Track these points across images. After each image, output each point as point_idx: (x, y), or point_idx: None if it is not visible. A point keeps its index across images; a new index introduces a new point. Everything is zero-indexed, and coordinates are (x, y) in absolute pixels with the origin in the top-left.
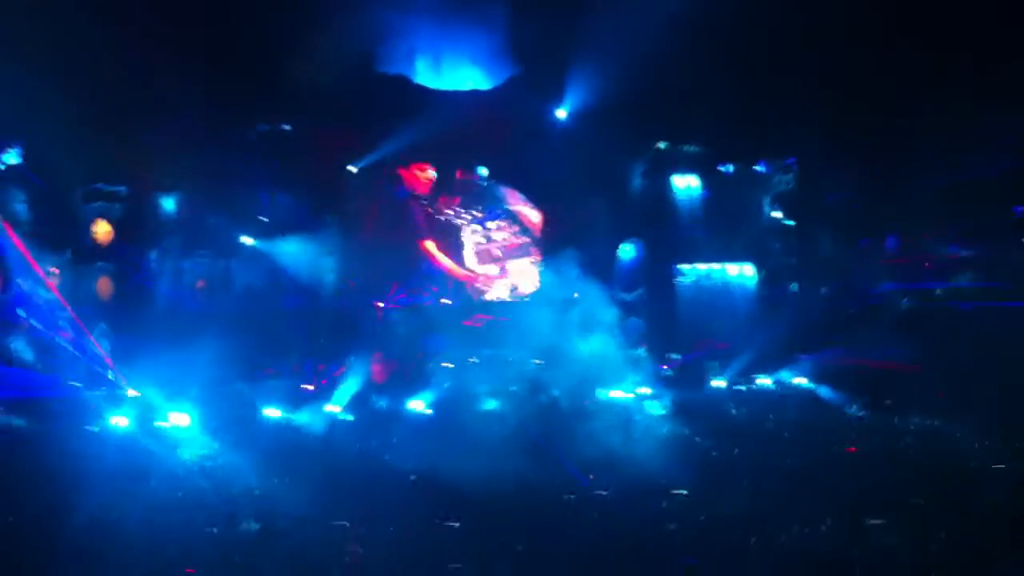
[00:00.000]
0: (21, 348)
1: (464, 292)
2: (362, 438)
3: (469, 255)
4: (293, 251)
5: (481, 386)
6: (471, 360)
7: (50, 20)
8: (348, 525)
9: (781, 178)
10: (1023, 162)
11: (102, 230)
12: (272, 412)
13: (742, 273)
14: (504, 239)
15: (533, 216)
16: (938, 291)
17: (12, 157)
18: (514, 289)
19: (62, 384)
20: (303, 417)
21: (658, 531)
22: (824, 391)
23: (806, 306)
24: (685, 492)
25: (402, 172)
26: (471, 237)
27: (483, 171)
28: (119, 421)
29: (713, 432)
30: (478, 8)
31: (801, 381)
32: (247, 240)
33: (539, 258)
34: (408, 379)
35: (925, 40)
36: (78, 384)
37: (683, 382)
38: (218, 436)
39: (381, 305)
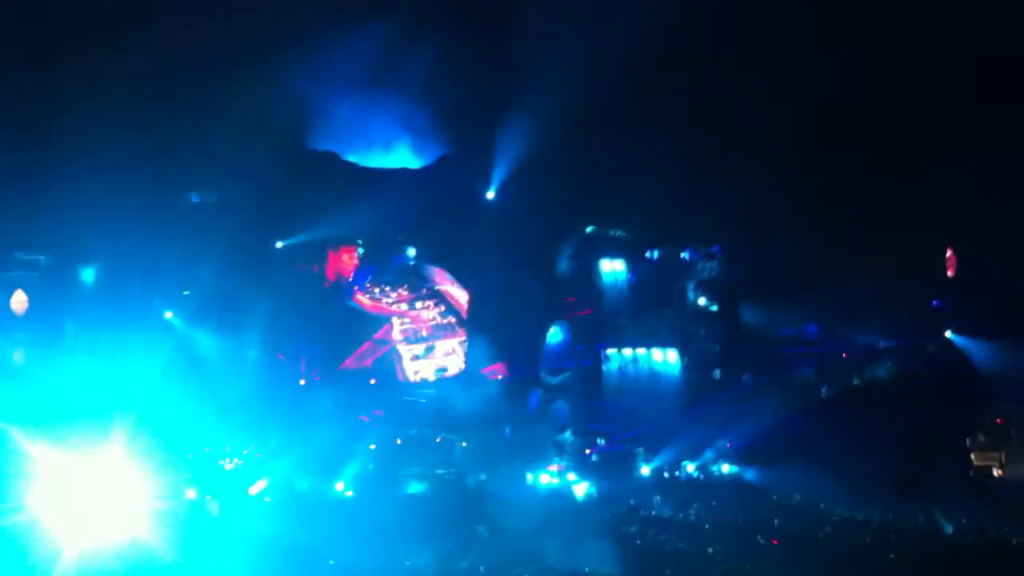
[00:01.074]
0: None
1: (391, 372)
2: (282, 520)
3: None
4: (215, 327)
5: (407, 468)
6: (397, 441)
7: None
8: None
9: (705, 264)
10: (940, 257)
11: (18, 300)
12: (190, 493)
13: (667, 359)
14: (431, 319)
15: (461, 296)
16: (855, 380)
17: None
18: (440, 369)
19: None
20: (222, 498)
21: None
22: (749, 476)
23: (729, 392)
24: None
25: (330, 253)
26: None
27: (411, 251)
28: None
29: (639, 519)
30: (409, 86)
31: (725, 468)
32: (169, 315)
33: (465, 338)
34: (332, 459)
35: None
36: None
37: (609, 467)
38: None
39: (304, 383)
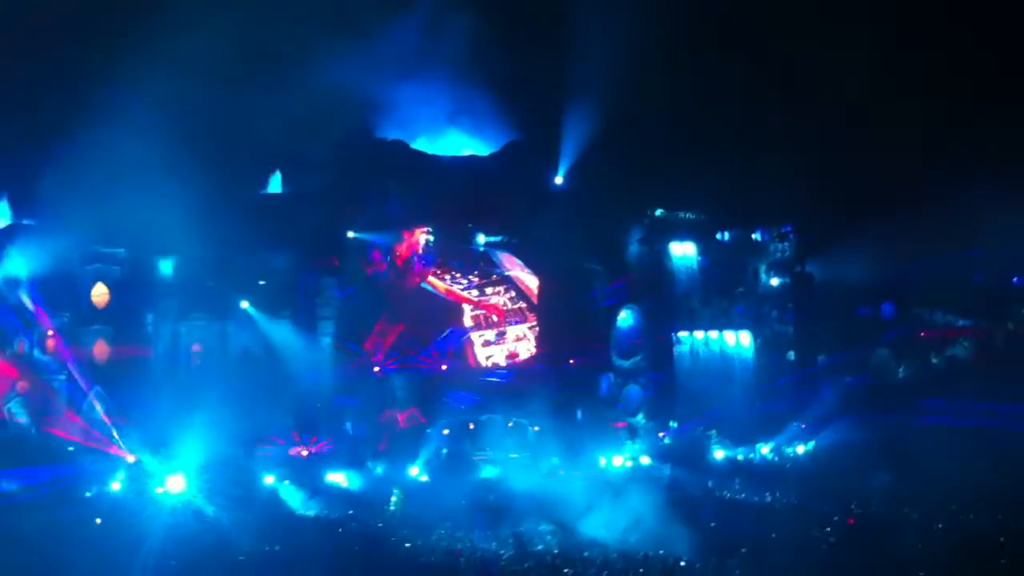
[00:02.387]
0: (18, 410)
1: (463, 357)
2: (358, 505)
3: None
4: (290, 315)
5: (480, 452)
6: (470, 426)
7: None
8: None
9: (778, 246)
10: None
11: (99, 292)
12: (269, 479)
13: (739, 341)
14: (502, 304)
15: (531, 282)
16: (933, 359)
17: (8, 217)
18: (512, 355)
19: (58, 448)
20: (298, 483)
21: None
22: (823, 458)
23: (803, 374)
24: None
25: (405, 234)
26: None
27: (481, 237)
28: (115, 486)
29: (713, 501)
30: (476, 74)
31: (800, 450)
32: (245, 305)
33: (536, 323)
34: (406, 444)
35: (926, 115)
36: (72, 448)
37: (682, 450)
38: (213, 502)
39: (378, 369)
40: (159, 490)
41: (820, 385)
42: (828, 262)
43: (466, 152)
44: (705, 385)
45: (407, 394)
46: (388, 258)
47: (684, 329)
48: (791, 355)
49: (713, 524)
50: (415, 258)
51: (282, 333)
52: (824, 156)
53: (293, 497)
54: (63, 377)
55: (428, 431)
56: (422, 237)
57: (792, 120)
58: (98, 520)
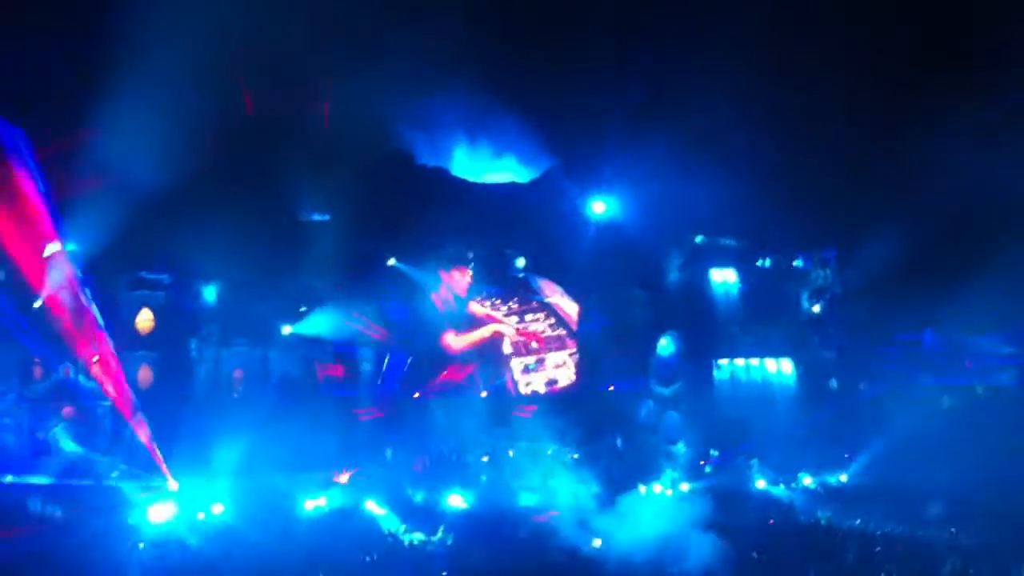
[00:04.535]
0: (62, 436)
1: (502, 384)
2: (395, 532)
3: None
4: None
5: (519, 479)
6: (509, 453)
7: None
8: None
9: (819, 272)
10: None
11: (144, 318)
12: (309, 504)
13: (780, 369)
14: (541, 331)
15: (570, 308)
16: (979, 389)
17: (57, 246)
18: (551, 381)
19: (102, 473)
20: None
21: None
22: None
23: (846, 401)
24: None
25: (443, 275)
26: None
27: (520, 262)
28: (158, 512)
29: (754, 531)
30: (517, 102)
31: (843, 479)
32: (287, 330)
33: (575, 350)
34: (446, 471)
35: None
36: (117, 473)
37: (723, 479)
38: (256, 527)
39: (418, 396)
40: (200, 516)
41: (863, 413)
42: (871, 288)
43: (505, 178)
44: (746, 413)
45: (447, 421)
46: (430, 290)
47: (724, 356)
48: (833, 383)
49: (755, 555)
50: (457, 296)
51: (324, 358)
52: (868, 181)
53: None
54: (107, 403)
55: (467, 458)
56: (464, 273)
57: (835, 144)
58: (141, 544)
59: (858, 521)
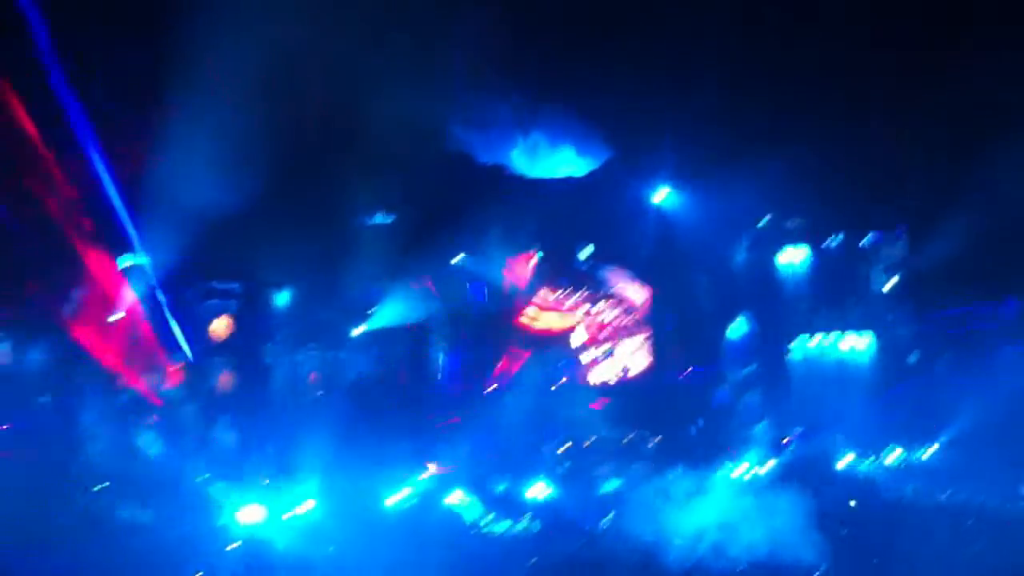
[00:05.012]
0: (149, 442)
1: (574, 376)
2: (481, 524)
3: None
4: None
5: (599, 467)
6: (586, 443)
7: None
8: None
9: (891, 247)
10: None
11: (219, 326)
12: (392, 499)
13: (857, 345)
14: (610, 321)
15: (639, 296)
16: None
17: (131, 259)
18: (623, 370)
19: (190, 477)
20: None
21: None
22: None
23: (926, 377)
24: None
25: (509, 264)
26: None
27: (585, 253)
28: (245, 513)
29: (841, 510)
30: (574, 92)
31: (925, 455)
32: (358, 331)
33: (647, 337)
34: (525, 463)
35: None
36: (204, 477)
37: (804, 459)
38: (342, 524)
39: (492, 388)
40: (285, 516)
41: (945, 386)
42: (946, 261)
43: (566, 171)
44: (824, 391)
45: (523, 413)
46: (493, 281)
47: (798, 335)
48: (913, 357)
49: (844, 532)
50: (519, 287)
51: (395, 357)
52: (939, 152)
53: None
54: (191, 409)
55: (545, 449)
56: (530, 260)
57: (904, 117)
58: (230, 546)
59: (946, 495)
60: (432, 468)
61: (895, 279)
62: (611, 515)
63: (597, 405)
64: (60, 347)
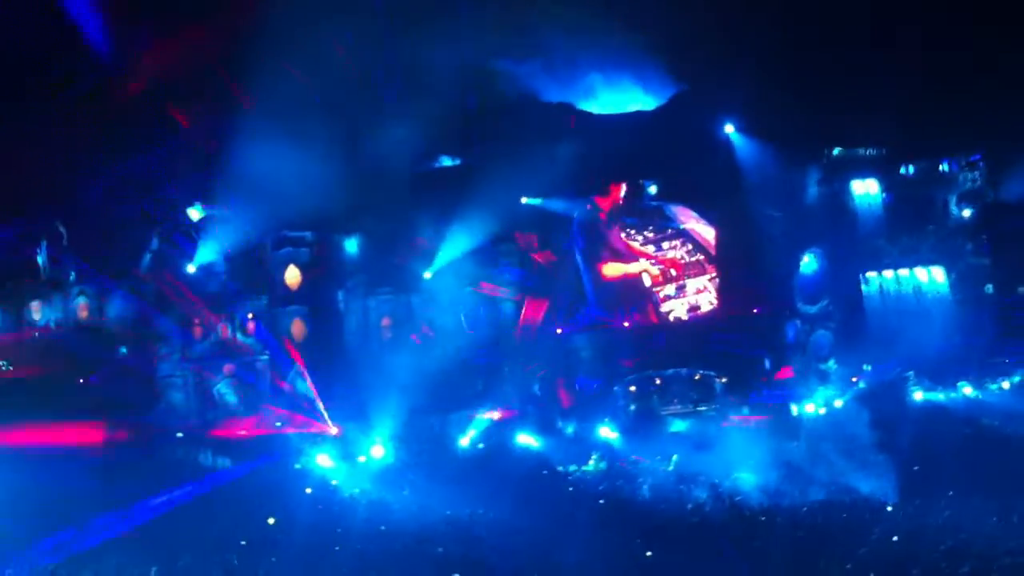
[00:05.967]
0: (226, 390)
1: (644, 313)
2: (551, 465)
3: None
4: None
5: (667, 407)
6: (656, 381)
7: None
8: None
9: (967, 175)
10: None
11: (292, 275)
12: (463, 441)
13: (932, 278)
14: (679, 258)
15: (707, 233)
16: None
17: (202, 211)
18: (693, 308)
19: (266, 423)
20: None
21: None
22: None
23: (1003, 308)
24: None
25: (597, 200)
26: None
27: (653, 189)
28: (322, 458)
29: (914, 443)
30: (638, 28)
31: (1005, 385)
32: (428, 275)
33: (716, 275)
34: (594, 404)
35: None
36: (281, 423)
37: (879, 394)
38: (413, 467)
39: (560, 331)
40: (361, 459)
41: (1022, 317)
42: (1022, 188)
43: (633, 108)
44: (898, 325)
45: (591, 354)
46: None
47: (872, 269)
48: (989, 288)
49: (916, 468)
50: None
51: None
52: (1011, 77)
53: None
54: (265, 358)
55: (615, 389)
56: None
57: (974, 41)
58: (308, 490)
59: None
60: (499, 413)
61: (970, 209)
62: (675, 458)
63: (667, 343)
64: (138, 299)
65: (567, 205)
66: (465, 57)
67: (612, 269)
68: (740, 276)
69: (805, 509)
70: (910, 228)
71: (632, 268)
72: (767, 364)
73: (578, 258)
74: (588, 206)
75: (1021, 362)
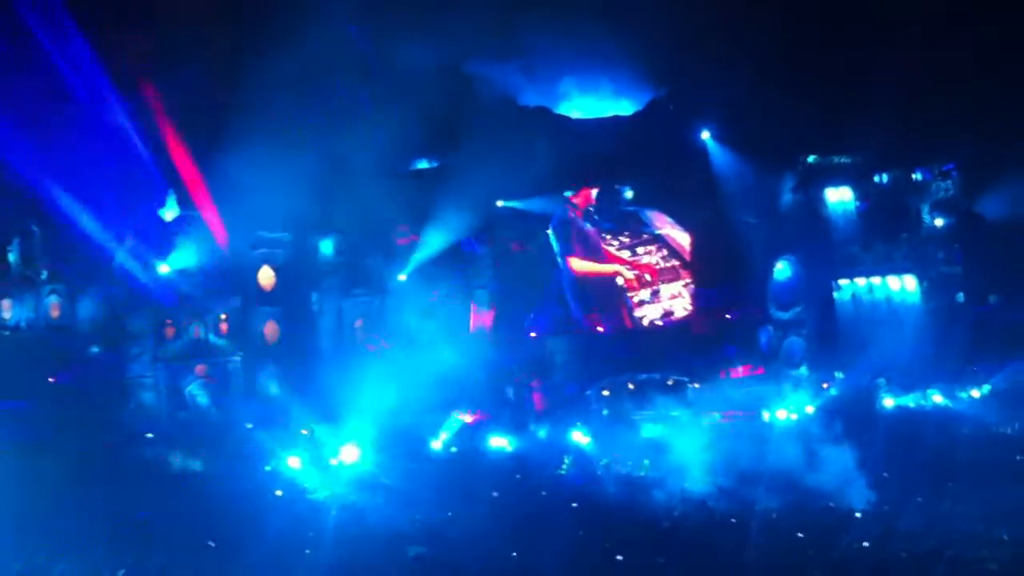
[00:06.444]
0: (197, 392)
1: (618, 318)
2: (524, 468)
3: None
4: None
5: (641, 412)
6: (629, 386)
7: None
8: (515, 555)
9: (940, 185)
10: None
11: (266, 275)
12: (436, 444)
13: (904, 286)
14: (654, 263)
15: (682, 238)
16: None
17: (177, 210)
18: (667, 313)
19: (237, 425)
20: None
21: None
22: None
23: (974, 317)
24: None
25: (571, 199)
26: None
27: (629, 194)
28: (293, 460)
29: (884, 451)
30: (616, 34)
31: (975, 394)
32: (402, 277)
33: (690, 280)
34: (567, 407)
35: None
36: (252, 425)
37: (850, 401)
38: (385, 470)
39: (535, 335)
40: (333, 461)
41: (993, 326)
42: (994, 198)
43: (609, 113)
44: (870, 332)
45: (565, 357)
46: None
47: (845, 276)
48: (960, 297)
49: (886, 474)
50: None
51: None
52: (985, 87)
53: None
54: (238, 358)
55: (588, 393)
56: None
57: (948, 51)
58: (278, 492)
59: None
60: (471, 415)
61: (943, 218)
62: (647, 462)
63: (640, 348)
64: (110, 299)
65: (543, 207)
66: (443, 59)
67: (586, 266)
68: (714, 282)
69: (775, 515)
70: (883, 236)
71: (606, 269)
72: (739, 368)
73: (555, 255)
74: (566, 205)
75: (991, 371)
